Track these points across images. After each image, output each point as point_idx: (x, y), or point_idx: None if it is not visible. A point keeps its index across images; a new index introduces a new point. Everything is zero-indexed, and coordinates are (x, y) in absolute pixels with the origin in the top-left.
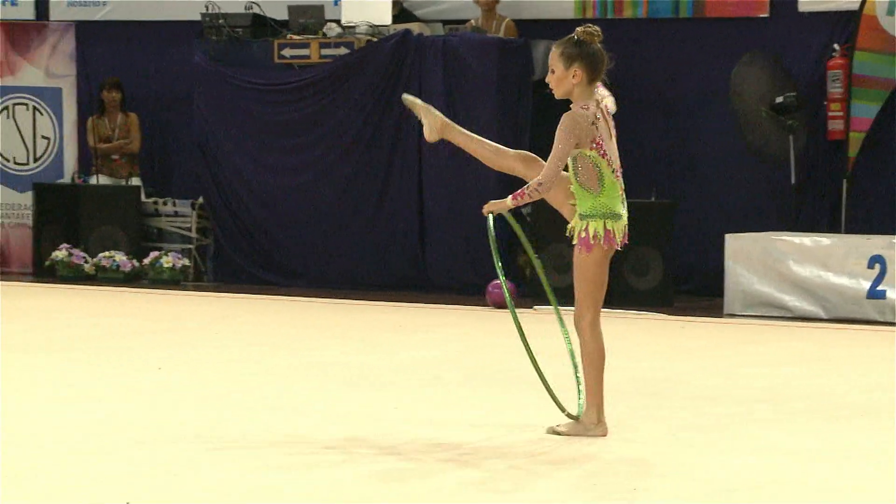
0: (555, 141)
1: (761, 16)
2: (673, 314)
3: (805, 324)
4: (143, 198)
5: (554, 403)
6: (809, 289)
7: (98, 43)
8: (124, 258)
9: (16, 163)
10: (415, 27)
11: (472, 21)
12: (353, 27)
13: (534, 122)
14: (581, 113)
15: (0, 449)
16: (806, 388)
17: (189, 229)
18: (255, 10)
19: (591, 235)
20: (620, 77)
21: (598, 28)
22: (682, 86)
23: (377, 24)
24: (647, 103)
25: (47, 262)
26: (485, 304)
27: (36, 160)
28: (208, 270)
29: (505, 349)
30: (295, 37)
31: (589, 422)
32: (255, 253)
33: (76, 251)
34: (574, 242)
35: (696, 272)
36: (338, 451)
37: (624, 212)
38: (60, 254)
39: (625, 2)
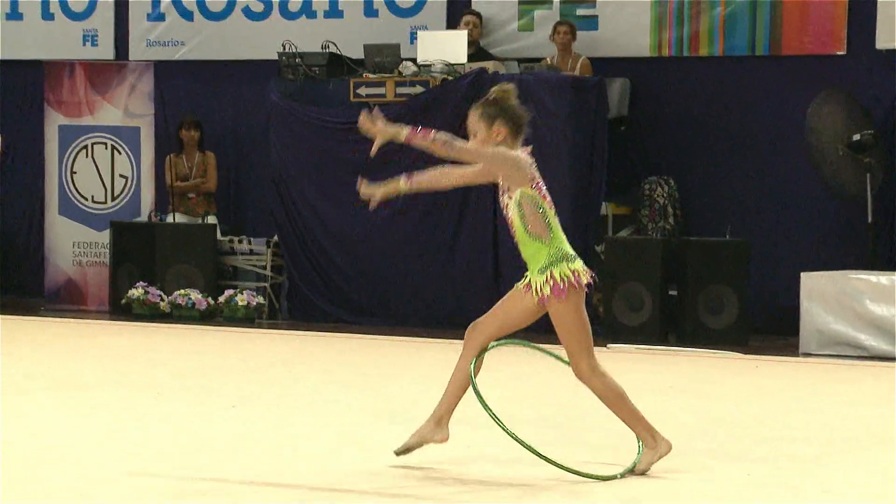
0: (481, 147)
1: (838, 53)
2: (748, 353)
3: (881, 363)
4: (218, 236)
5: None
6: (886, 328)
7: (176, 82)
8: (199, 296)
9: (94, 201)
10: (490, 65)
11: (548, 59)
12: (429, 66)
13: (609, 161)
14: (519, 153)
15: (75, 485)
16: (882, 429)
17: (264, 267)
18: (332, 49)
19: (559, 279)
20: (696, 114)
21: (512, 85)
22: (757, 123)
23: (453, 62)
24: (723, 141)
25: (124, 300)
26: (558, 342)
27: (114, 199)
28: (282, 308)
29: (574, 389)
30: (371, 75)
31: (651, 449)
32: (329, 291)
33: (152, 289)
34: (541, 295)
35: (771, 311)
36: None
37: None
38: (137, 292)
39: (701, 39)
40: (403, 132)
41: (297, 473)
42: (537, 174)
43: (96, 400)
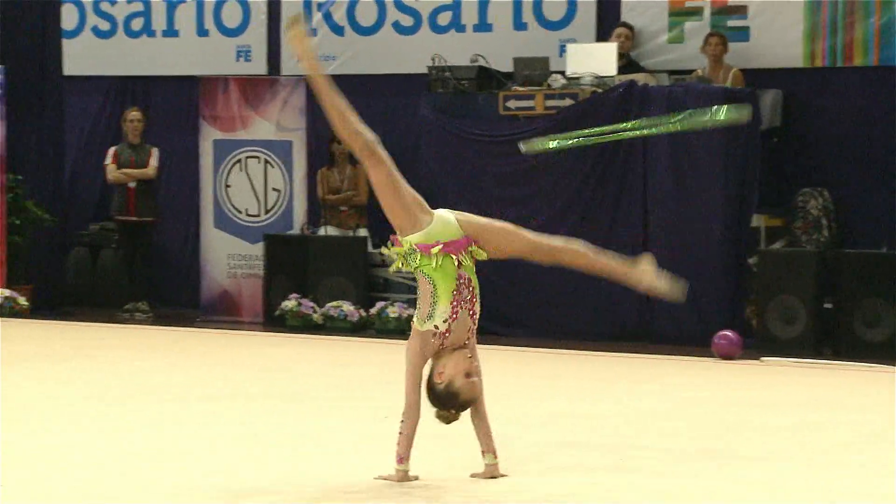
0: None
1: None
2: None
3: None
4: (370, 248)
5: None
6: None
7: None
8: (351, 308)
9: (248, 214)
10: (640, 77)
11: (699, 70)
12: (578, 78)
13: (762, 173)
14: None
15: (231, 488)
16: None
17: (415, 279)
18: (481, 62)
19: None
20: (850, 125)
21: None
22: None
23: (602, 75)
24: (878, 152)
25: (277, 312)
26: (710, 356)
27: (267, 212)
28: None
29: (728, 401)
30: (520, 88)
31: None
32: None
33: (305, 301)
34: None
35: None
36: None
37: None
38: (290, 303)
39: (855, 49)
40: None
41: (453, 479)
42: None
43: (251, 410)
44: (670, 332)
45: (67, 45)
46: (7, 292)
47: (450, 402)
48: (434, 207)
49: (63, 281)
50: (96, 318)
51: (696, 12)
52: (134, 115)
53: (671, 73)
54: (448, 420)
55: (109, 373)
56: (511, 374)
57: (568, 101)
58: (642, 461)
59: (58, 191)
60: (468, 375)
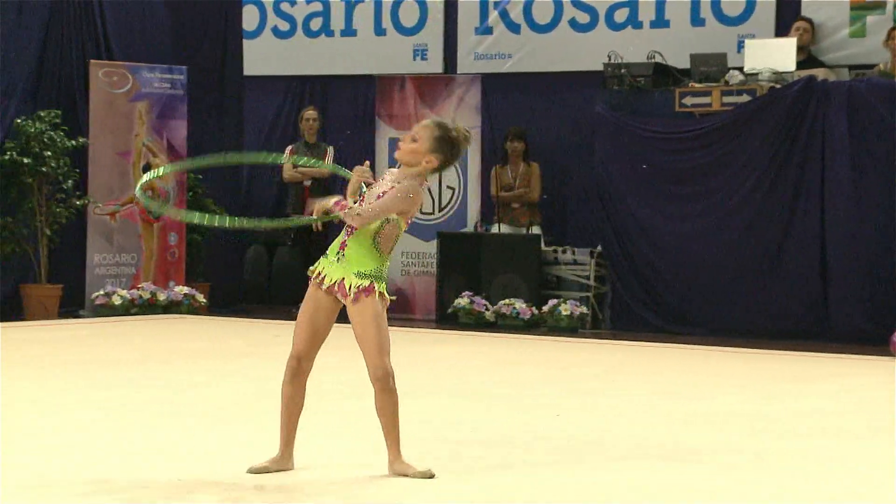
0: (389, 196)
1: None
2: None
3: None
4: (542, 246)
5: None
6: None
7: (502, 94)
8: (524, 305)
9: (422, 213)
10: (819, 73)
11: (881, 65)
12: (756, 74)
13: None
14: (422, 190)
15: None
16: None
17: (587, 277)
18: (657, 59)
19: (377, 292)
20: None
21: (471, 133)
22: None
23: (781, 70)
24: None
25: (450, 310)
26: (888, 354)
27: (441, 210)
28: (606, 318)
29: None
30: (696, 85)
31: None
32: (652, 301)
33: (477, 298)
34: (354, 293)
35: None
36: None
37: None
38: (462, 301)
39: None
40: (331, 202)
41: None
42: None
43: (422, 407)
44: (846, 331)
45: (248, 46)
46: (186, 289)
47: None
48: (611, 203)
49: (240, 278)
50: (272, 315)
51: (878, 6)
52: (310, 114)
53: (852, 67)
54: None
55: (279, 371)
56: (687, 373)
57: (745, 98)
58: (806, 461)
59: (236, 189)
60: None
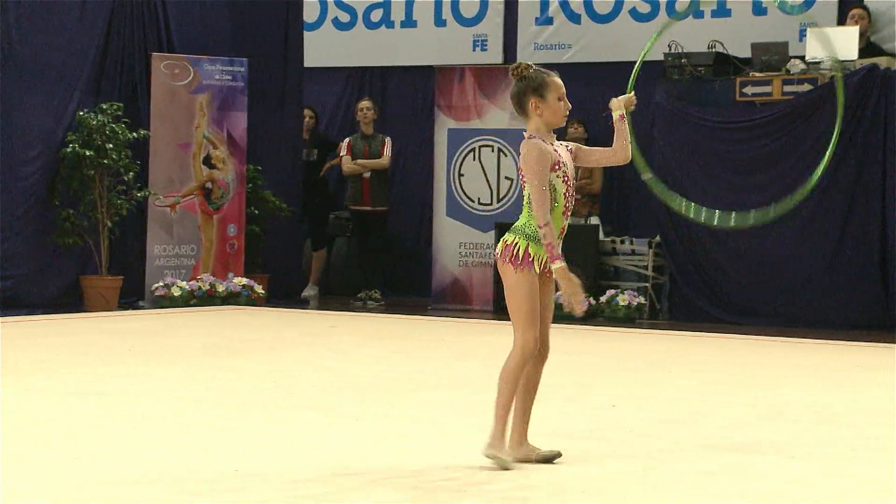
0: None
1: None
2: None
3: None
4: (601, 236)
5: None
6: None
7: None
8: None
9: (480, 203)
10: (882, 61)
11: None
12: (818, 63)
13: None
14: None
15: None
16: None
17: (645, 267)
18: (718, 48)
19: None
20: None
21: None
22: None
23: (842, 58)
24: None
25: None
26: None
27: (499, 200)
28: (663, 308)
29: None
30: (757, 74)
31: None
32: (710, 291)
33: None
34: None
35: None
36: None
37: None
38: None
39: None
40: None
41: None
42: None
43: (479, 400)
44: None
45: (308, 37)
46: (245, 281)
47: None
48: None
49: (299, 270)
50: (330, 306)
51: None
52: (365, 104)
53: None
54: None
55: (340, 361)
56: (747, 364)
57: (806, 87)
58: (872, 452)
59: (295, 181)
60: None
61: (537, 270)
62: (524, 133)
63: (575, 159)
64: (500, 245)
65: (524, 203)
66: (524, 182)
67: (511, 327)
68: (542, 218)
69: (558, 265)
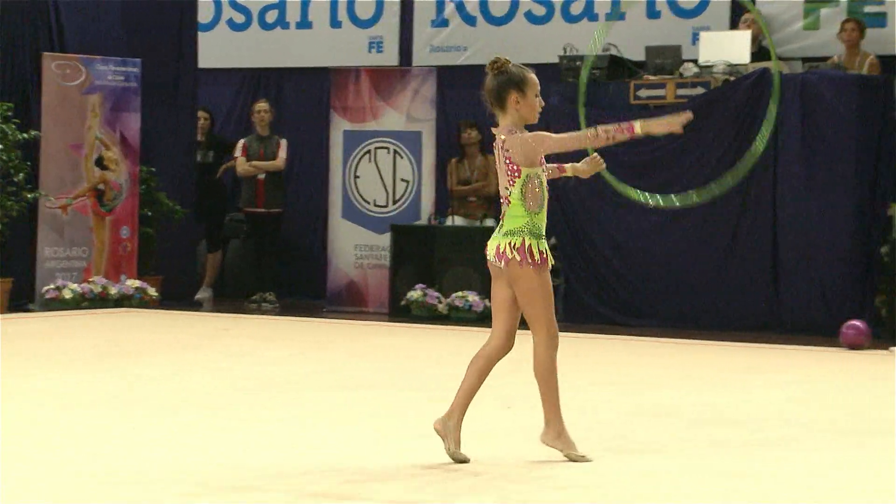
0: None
1: None
2: None
3: None
4: None
5: None
6: None
7: (458, 87)
8: (477, 298)
9: (375, 205)
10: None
11: (835, 58)
12: (710, 66)
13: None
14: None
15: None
16: None
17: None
18: (613, 51)
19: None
20: None
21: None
22: None
23: (735, 62)
24: None
25: (402, 302)
26: (838, 346)
27: (394, 202)
28: (559, 310)
29: (855, 391)
30: (651, 77)
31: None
32: (604, 293)
33: (430, 291)
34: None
35: None
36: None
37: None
38: (415, 294)
39: None
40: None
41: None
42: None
43: (375, 400)
44: (798, 322)
45: (203, 38)
46: (138, 283)
47: None
48: (565, 196)
49: (193, 272)
50: (224, 308)
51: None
52: (261, 105)
53: (805, 60)
54: None
55: (235, 363)
56: (639, 366)
57: (699, 90)
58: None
59: (189, 183)
60: None
61: (552, 263)
62: (495, 130)
63: None
64: (504, 249)
65: (511, 202)
66: (515, 178)
67: (503, 329)
68: (580, 132)
69: (639, 126)
